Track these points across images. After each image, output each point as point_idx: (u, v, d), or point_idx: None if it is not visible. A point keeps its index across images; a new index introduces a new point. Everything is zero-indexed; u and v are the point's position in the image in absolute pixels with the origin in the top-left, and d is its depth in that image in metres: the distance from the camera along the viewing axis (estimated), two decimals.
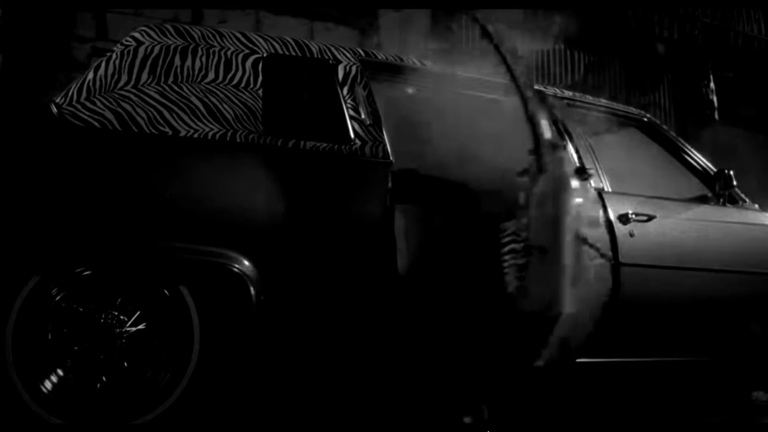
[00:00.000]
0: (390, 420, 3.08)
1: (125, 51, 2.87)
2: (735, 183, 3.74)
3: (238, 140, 2.81)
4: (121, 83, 2.78)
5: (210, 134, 2.78)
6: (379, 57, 3.37)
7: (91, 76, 2.78)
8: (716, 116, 8.91)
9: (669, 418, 3.54)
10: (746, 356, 3.63)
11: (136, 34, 2.94)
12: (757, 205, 3.92)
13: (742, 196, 3.90)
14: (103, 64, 2.81)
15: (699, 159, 3.89)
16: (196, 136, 2.76)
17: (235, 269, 2.69)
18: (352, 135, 3.02)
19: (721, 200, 3.75)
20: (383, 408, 3.14)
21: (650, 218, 3.35)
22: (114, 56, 2.85)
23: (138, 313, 2.63)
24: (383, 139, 3.05)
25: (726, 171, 3.73)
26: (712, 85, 8.91)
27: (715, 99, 8.82)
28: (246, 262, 2.72)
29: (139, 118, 2.72)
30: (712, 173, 3.79)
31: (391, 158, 3.02)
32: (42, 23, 5.81)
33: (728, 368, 3.63)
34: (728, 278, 3.54)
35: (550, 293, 2.73)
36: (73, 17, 6.03)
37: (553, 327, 2.74)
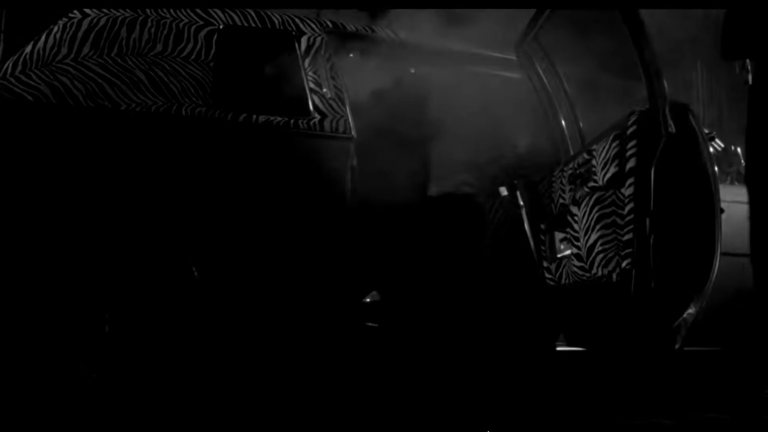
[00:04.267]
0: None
1: (68, 23, 2.74)
2: (744, 162, 3.44)
3: (184, 114, 2.66)
4: (60, 56, 2.66)
5: (153, 108, 2.64)
6: (348, 28, 3.18)
7: (29, 49, 2.66)
8: None
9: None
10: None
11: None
12: None
13: None
14: (43, 37, 2.69)
15: None
16: (138, 109, 2.62)
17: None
18: (311, 109, 2.86)
19: (729, 178, 3.47)
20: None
21: None
22: (56, 29, 2.73)
23: None
24: (345, 113, 2.88)
25: (732, 147, 3.45)
26: (748, 65, 8.46)
27: (750, 78, 8.37)
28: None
29: (76, 92, 2.59)
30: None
31: (353, 133, 2.85)
32: (45, 20, 5.77)
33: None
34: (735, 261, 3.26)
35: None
36: None
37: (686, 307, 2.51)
